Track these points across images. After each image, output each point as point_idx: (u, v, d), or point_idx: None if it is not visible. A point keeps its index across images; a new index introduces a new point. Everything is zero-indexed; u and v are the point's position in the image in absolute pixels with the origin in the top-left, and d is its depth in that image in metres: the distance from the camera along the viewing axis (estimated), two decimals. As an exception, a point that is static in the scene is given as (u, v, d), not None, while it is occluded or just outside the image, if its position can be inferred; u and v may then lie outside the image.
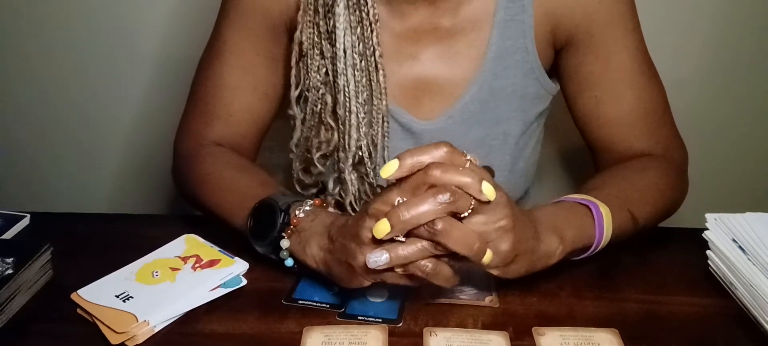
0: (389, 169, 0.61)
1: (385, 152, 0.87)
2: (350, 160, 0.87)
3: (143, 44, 1.30)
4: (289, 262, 0.71)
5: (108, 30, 1.29)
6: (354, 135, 0.85)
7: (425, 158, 0.61)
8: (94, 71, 1.32)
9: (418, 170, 0.61)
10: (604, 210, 0.72)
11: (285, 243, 0.70)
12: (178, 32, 1.29)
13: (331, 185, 0.90)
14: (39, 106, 1.36)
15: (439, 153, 0.61)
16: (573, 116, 0.92)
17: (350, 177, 0.87)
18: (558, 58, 0.89)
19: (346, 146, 0.86)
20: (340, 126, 0.86)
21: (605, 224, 0.72)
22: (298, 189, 0.93)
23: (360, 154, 0.86)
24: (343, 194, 0.89)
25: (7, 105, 1.36)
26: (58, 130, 1.37)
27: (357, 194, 0.89)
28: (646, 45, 0.88)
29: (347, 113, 0.85)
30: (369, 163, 0.87)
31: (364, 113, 0.85)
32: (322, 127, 0.88)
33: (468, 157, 0.62)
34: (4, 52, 1.31)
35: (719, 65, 1.29)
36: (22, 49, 1.31)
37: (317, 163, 0.89)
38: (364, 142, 0.86)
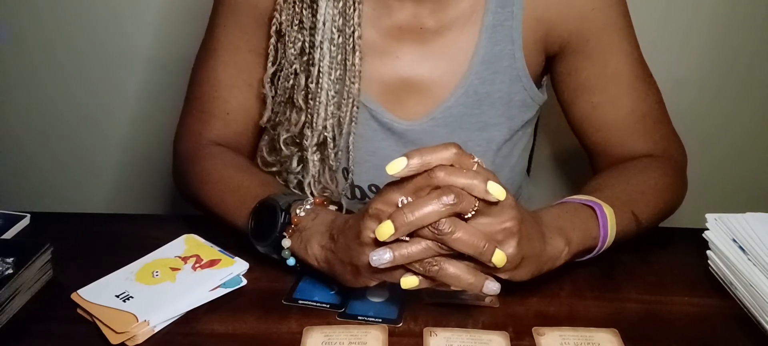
0: (396, 166, 0.60)
1: (350, 138, 0.86)
2: (315, 140, 0.85)
3: (143, 44, 1.30)
4: (291, 261, 0.71)
5: (107, 30, 1.29)
6: (322, 113, 0.84)
7: (432, 159, 0.60)
8: (94, 71, 1.32)
9: (424, 171, 0.61)
10: (608, 211, 0.72)
11: (286, 243, 0.70)
12: (178, 32, 1.29)
13: (294, 163, 0.88)
14: (39, 106, 1.36)
15: (447, 154, 0.61)
16: (569, 121, 0.92)
17: (313, 158, 0.86)
18: (552, 65, 0.89)
19: (313, 124, 0.85)
20: (310, 103, 0.85)
21: (609, 225, 0.72)
22: (261, 166, 0.91)
23: (325, 135, 0.85)
24: (303, 175, 0.88)
25: (7, 105, 1.36)
26: (57, 130, 1.37)
27: (317, 175, 0.87)
28: (647, 45, 0.88)
29: (318, 89, 0.83)
30: (331, 145, 0.85)
31: (335, 93, 0.84)
32: (294, 109, 0.86)
33: (475, 160, 0.62)
34: (4, 52, 1.31)
35: (719, 66, 1.29)
36: (21, 49, 1.31)
37: (282, 145, 0.88)
38: (330, 121, 0.84)
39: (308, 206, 0.72)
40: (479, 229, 0.61)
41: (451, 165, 0.61)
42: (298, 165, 0.88)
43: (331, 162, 0.86)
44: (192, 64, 0.92)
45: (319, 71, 0.83)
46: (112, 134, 1.39)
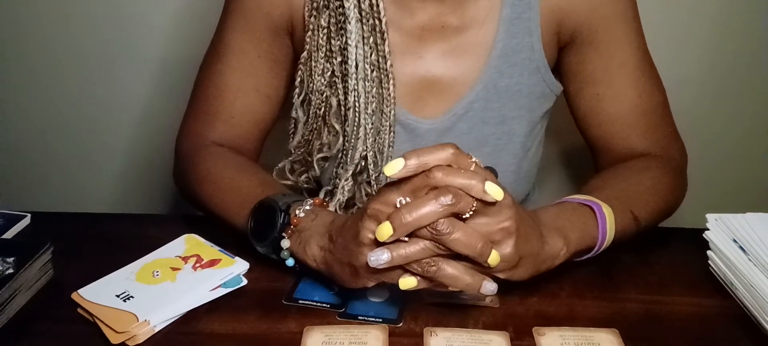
0: (393, 168, 0.60)
1: (389, 161, 0.87)
2: (351, 170, 0.86)
3: (144, 44, 1.30)
4: (290, 262, 0.71)
5: (109, 30, 1.29)
6: (360, 147, 0.85)
7: (430, 160, 0.60)
8: (95, 71, 1.32)
9: (421, 172, 0.61)
10: (607, 211, 0.72)
11: (285, 243, 0.70)
12: (180, 33, 1.29)
13: (322, 193, 0.90)
14: (39, 106, 1.36)
15: (444, 155, 0.61)
16: (573, 115, 0.92)
17: (344, 184, 0.87)
18: (561, 56, 0.89)
19: (350, 157, 0.86)
20: (345, 132, 0.86)
21: (608, 224, 0.72)
22: (277, 179, 0.92)
23: (363, 164, 0.86)
24: (329, 199, 0.89)
25: (7, 105, 1.36)
26: (58, 130, 1.37)
27: (344, 202, 0.88)
28: (647, 44, 0.88)
29: (355, 127, 0.85)
30: (372, 170, 0.86)
31: (372, 124, 0.85)
32: (325, 130, 0.87)
33: (473, 160, 0.62)
34: (4, 52, 1.31)
35: (719, 65, 1.29)
36: (22, 49, 1.31)
37: (316, 166, 0.89)
38: (370, 153, 0.86)
39: (307, 207, 0.72)
40: (477, 229, 0.61)
41: (449, 165, 0.61)
42: (326, 195, 0.90)
43: (371, 189, 0.87)
44: (195, 65, 0.92)
45: (355, 112, 0.84)
46: (113, 134, 1.39)
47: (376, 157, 0.86)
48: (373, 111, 0.85)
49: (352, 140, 0.85)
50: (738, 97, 1.32)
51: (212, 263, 0.74)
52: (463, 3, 0.85)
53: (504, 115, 0.88)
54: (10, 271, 0.69)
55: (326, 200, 0.89)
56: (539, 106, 0.90)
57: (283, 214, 0.71)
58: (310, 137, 0.89)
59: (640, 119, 0.87)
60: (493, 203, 0.61)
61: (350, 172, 0.86)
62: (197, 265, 0.74)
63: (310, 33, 0.84)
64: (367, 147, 0.85)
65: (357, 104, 0.84)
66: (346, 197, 0.88)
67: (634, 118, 0.87)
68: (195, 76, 0.93)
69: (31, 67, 1.33)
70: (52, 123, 1.37)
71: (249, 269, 0.74)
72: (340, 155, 0.88)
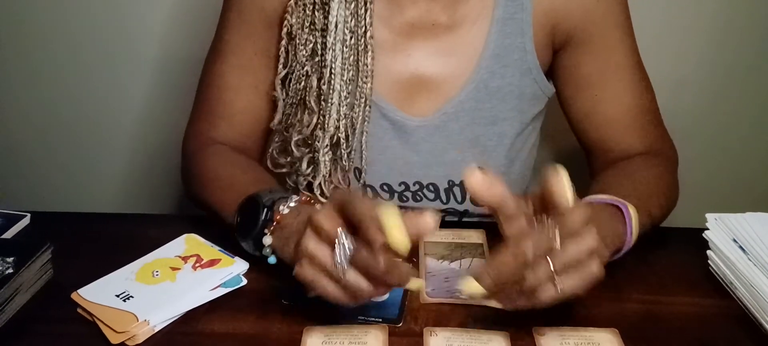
0: (471, 288, 0.59)
1: (363, 137, 0.86)
2: (327, 141, 0.85)
3: (144, 44, 1.30)
4: (272, 259, 0.70)
5: (109, 30, 1.29)
6: (334, 115, 0.84)
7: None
8: (95, 71, 1.32)
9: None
10: (633, 211, 0.71)
11: (267, 240, 0.69)
12: (179, 32, 1.29)
13: (304, 166, 0.89)
14: (39, 106, 1.36)
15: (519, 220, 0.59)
16: (569, 118, 0.92)
17: (324, 159, 0.86)
18: (555, 60, 0.89)
19: (325, 126, 0.85)
20: (322, 104, 0.85)
21: (634, 224, 0.71)
22: (270, 167, 0.91)
23: (338, 136, 0.85)
24: (314, 176, 0.88)
25: (8, 105, 1.36)
26: (58, 130, 1.38)
27: (328, 175, 0.87)
28: (647, 45, 0.89)
29: (331, 91, 0.84)
30: (345, 146, 0.86)
31: (347, 94, 0.84)
32: (306, 111, 0.86)
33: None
34: (4, 52, 1.31)
35: (719, 66, 1.29)
36: (22, 49, 1.31)
37: (293, 147, 0.88)
38: (343, 122, 0.85)
39: (292, 204, 0.70)
40: (569, 257, 0.60)
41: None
42: (308, 167, 0.88)
43: (343, 162, 0.86)
44: (195, 65, 0.93)
45: (331, 73, 0.83)
46: (113, 134, 1.39)
47: (347, 130, 0.85)
48: (349, 80, 0.84)
49: (327, 105, 0.84)
50: (738, 97, 1.32)
51: (212, 262, 0.74)
52: (455, 1, 0.84)
53: (495, 116, 0.88)
54: (10, 271, 0.69)
55: (307, 176, 0.88)
56: (530, 108, 0.90)
57: (266, 210, 0.70)
58: (290, 113, 0.88)
59: (635, 121, 0.87)
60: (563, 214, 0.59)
61: (327, 142, 0.85)
62: (197, 265, 0.74)
63: (292, 5, 0.83)
64: (340, 116, 0.84)
65: (333, 66, 0.83)
66: (328, 170, 0.86)
67: (631, 120, 0.87)
68: (195, 75, 0.93)
69: (31, 67, 1.33)
70: (52, 123, 1.37)
71: (249, 269, 0.74)
72: (315, 129, 0.86)
